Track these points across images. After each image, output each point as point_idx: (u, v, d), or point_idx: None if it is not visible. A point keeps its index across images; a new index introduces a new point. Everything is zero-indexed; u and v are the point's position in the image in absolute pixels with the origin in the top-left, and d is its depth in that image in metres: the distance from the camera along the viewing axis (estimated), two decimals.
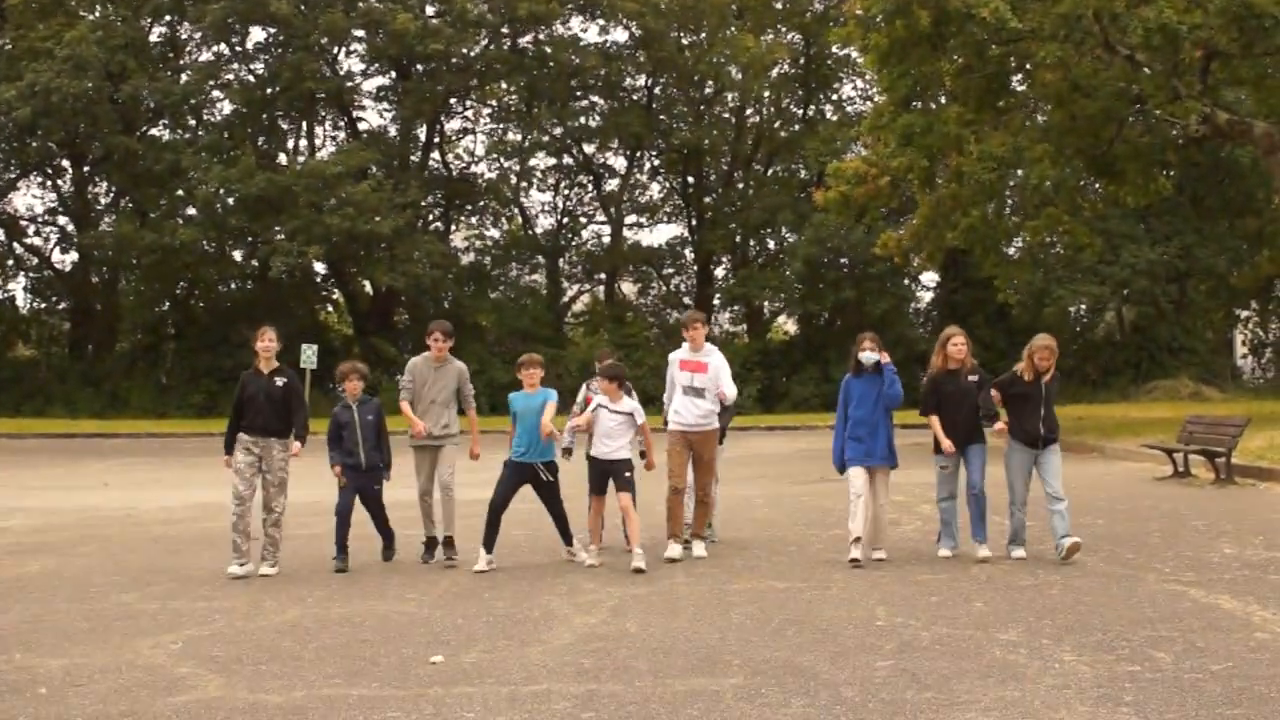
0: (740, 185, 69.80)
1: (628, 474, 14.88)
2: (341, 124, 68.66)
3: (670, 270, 71.36)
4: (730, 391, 15.72)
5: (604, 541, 15.39)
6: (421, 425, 15.19)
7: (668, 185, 72.43)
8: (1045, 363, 14.65)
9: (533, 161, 69.64)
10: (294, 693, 8.93)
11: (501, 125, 70.13)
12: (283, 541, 14.90)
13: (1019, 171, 38.26)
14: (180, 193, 60.20)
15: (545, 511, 15.23)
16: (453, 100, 67.45)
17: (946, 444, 14.77)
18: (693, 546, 15.38)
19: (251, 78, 63.62)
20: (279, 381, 14.86)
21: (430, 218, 67.99)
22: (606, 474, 14.91)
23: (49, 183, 65.27)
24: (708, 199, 70.13)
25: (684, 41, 66.53)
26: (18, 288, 65.45)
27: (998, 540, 14.82)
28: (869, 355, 14.80)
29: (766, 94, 69.26)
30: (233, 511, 14.42)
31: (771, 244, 69.80)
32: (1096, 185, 44.59)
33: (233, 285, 65.16)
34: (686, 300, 67.88)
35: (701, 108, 68.92)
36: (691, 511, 15.60)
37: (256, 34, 63.92)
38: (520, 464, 14.73)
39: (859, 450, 14.79)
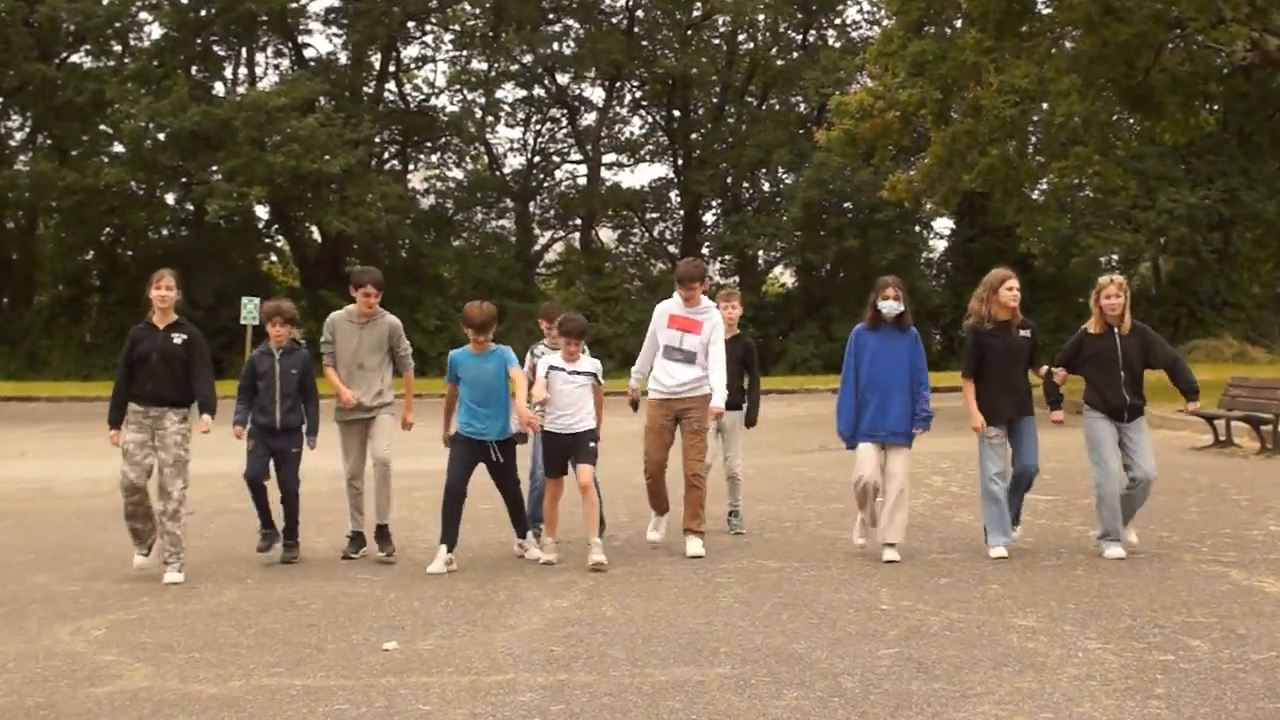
0: (732, 120, 69.84)
1: (592, 444, 13.70)
2: (285, 50, 68.51)
3: (654, 215, 71.55)
4: (719, 381, 14.14)
5: (561, 536, 14.25)
6: (350, 393, 14.08)
7: (651, 120, 72.53)
8: (1115, 306, 13.36)
9: (500, 93, 69.96)
10: (230, 683, 8.95)
11: (465, 53, 70.13)
12: (185, 538, 13.09)
13: (1044, 105, 38.20)
14: (105, 128, 60.22)
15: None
16: (410, 24, 67.43)
17: (978, 421, 13.55)
18: (686, 544, 13.87)
19: None
20: (177, 339, 13.28)
21: (385, 156, 68.08)
22: (567, 452, 13.68)
23: None
24: (695, 136, 70.20)
25: None
26: None
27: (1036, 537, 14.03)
28: (892, 305, 13.51)
29: (761, 17, 69.21)
30: (125, 504, 13.13)
31: (766, 186, 69.95)
32: (1130, 120, 44.59)
33: (164, 232, 65.01)
34: (671, 249, 67.95)
35: (689, 32, 68.93)
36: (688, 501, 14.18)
37: None
38: (472, 440, 13.53)
39: (867, 420, 13.57)
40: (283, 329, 14.19)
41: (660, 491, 14.64)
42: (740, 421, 15.49)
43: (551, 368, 13.73)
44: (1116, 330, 13.42)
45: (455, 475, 13.50)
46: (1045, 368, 13.75)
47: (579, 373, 13.76)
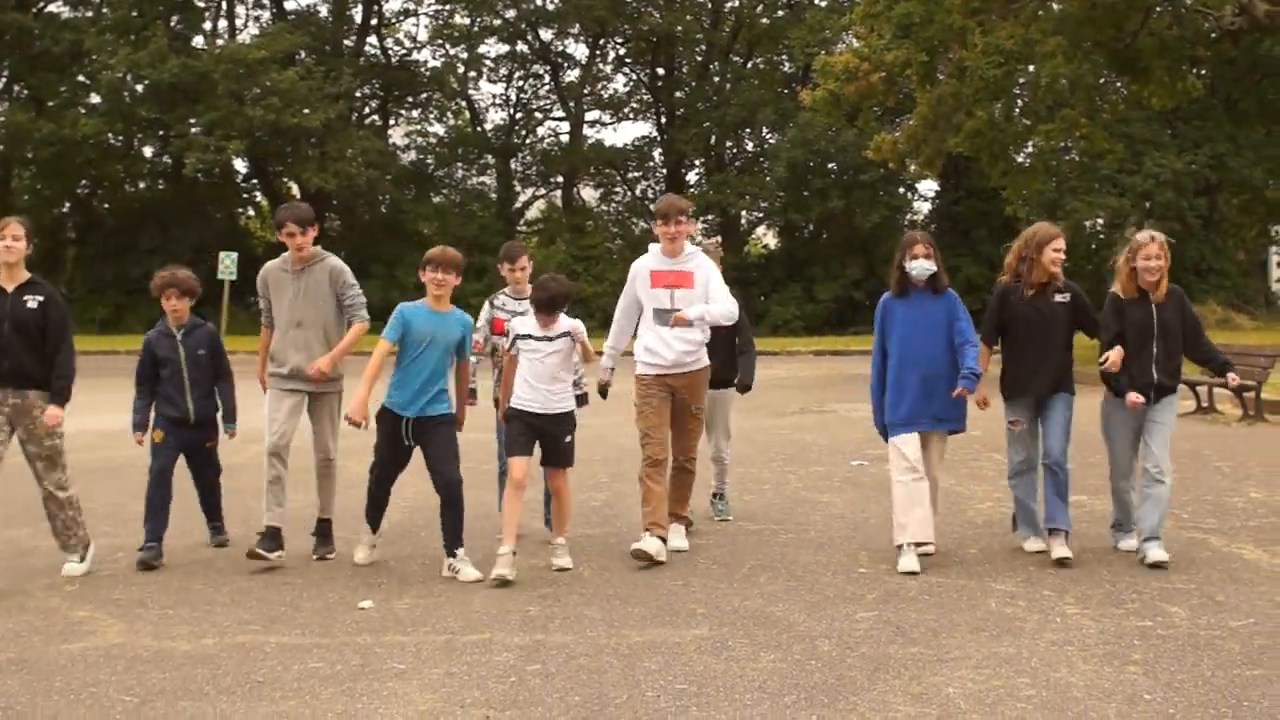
0: (716, 79, 69.64)
1: (569, 438, 11.50)
2: (266, 2, 68.24)
3: (636, 174, 71.41)
4: (727, 308, 11.89)
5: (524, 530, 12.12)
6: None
7: (634, 78, 72.33)
8: (1155, 270, 11.54)
9: (482, 48, 69.75)
10: (204, 640, 8.96)
11: (448, 7, 69.67)
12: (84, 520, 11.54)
13: (1030, 68, 38.17)
14: (82, 78, 59.95)
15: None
16: None
17: (980, 396, 11.62)
18: (669, 534, 12.00)
19: None
20: (30, 301, 11.18)
21: (366, 111, 67.91)
22: (537, 434, 11.37)
23: None
24: (679, 94, 70.06)
25: None
26: None
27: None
28: (922, 265, 11.50)
29: None
30: None
31: (751, 146, 69.87)
32: (1117, 84, 44.54)
33: (142, 185, 64.88)
34: (652, 208, 67.73)
35: None
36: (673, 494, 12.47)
37: None
38: (403, 418, 11.27)
39: (906, 406, 11.56)
40: (180, 304, 12.13)
41: (658, 496, 11.89)
42: (731, 399, 13.69)
43: (519, 337, 11.44)
44: (1152, 297, 11.61)
45: (385, 457, 11.49)
46: (1103, 357, 11.42)
47: (554, 337, 11.37)
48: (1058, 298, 11.72)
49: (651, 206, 66.13)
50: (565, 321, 11.45)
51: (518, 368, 11.43)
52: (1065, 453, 11.64)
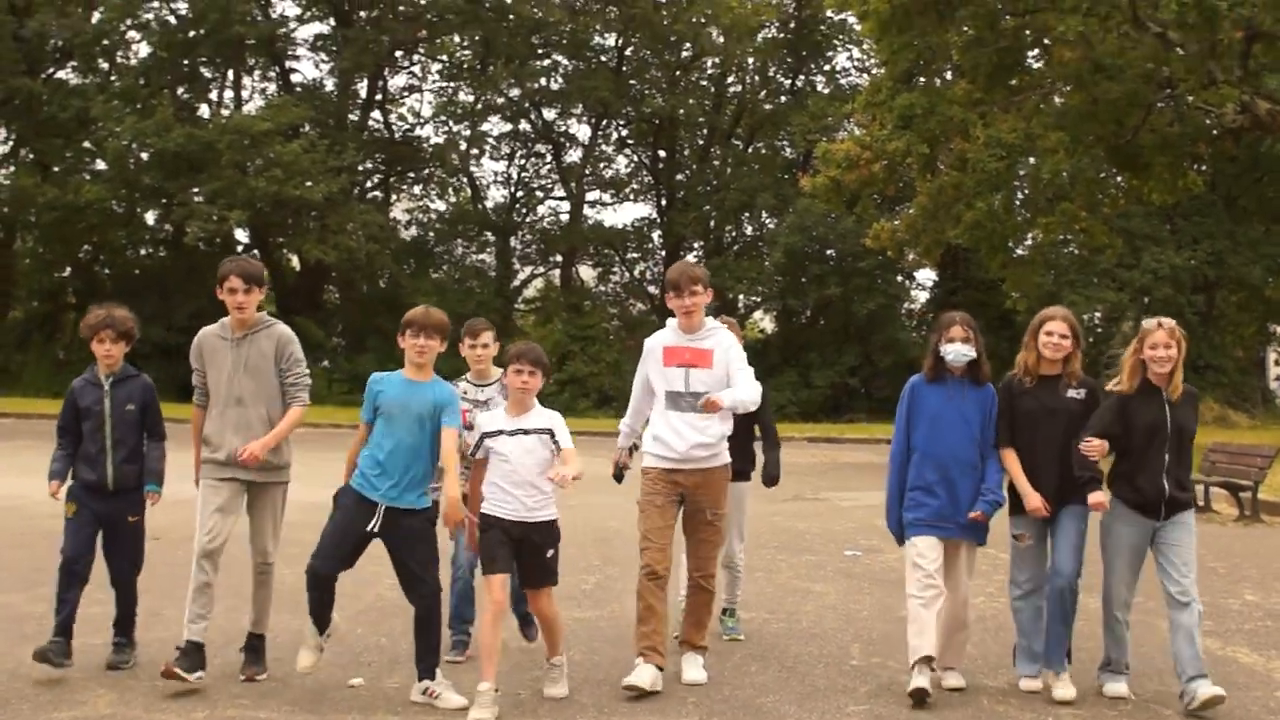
0: (717, 163, 69.95)
1: (551, 552, 9.89)
2: (272, 75, 68.44)
3: (635, 255, 71.43)
4: (750, 395, 10.46)
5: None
6: (252, 448, 10.06)
7: (636, 159, 72.52)
8: (1165, 361, 10.11)
9: (485, 126, 69.75)
10: (194, 713, 8.94)
11: (452, 84, 70.15)
12: None
13: (1030, 160, 38.35)
14: (88, 145, 60.02)
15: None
16: (398, 53, 67.42)
17: (1035, 501, 10.24)
18: (683, 665, 10.45)
19: (173, 18, 62.91)
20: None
21: (368, 185, 67.93)
22: (516, 546, 9.74)
23: None
24: (680, 176, 70.29)
25: None
26: None
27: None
28: (959, 350, 10.38)
29: (750, 60, 69.38)
30: None
31: (750, 230, 70.00)
32: (1118, 179, 44.73)
33: (143, 251, 64.97)
34: (652, 289, 67.88)
35: (677, 73, 69.00)
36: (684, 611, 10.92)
37: None
38: (372, 502, 9.65)
39: (931, 508, 10.31)
40: (114, 348, 10.57)
41: (658, 615, 10.23)
42: (746, 495, 12.21)
43: (487, 435, 9.85)
44: (1165, 394, 10.18)
45: (330, 545, 9.70)
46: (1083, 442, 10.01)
47: (531, 431, 9.82)
48: (1070, 392, 10.35)
49: (650, 288, 66.38)
50: (542, 413, 9.90)
51: (486, 472, 9.84)
52: (1077, 574, 10.30)
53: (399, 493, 9.57)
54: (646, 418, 10.85)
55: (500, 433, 9.72)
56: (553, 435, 9.78)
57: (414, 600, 9.72)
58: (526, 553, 9.71)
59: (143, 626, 11.01)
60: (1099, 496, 10.08)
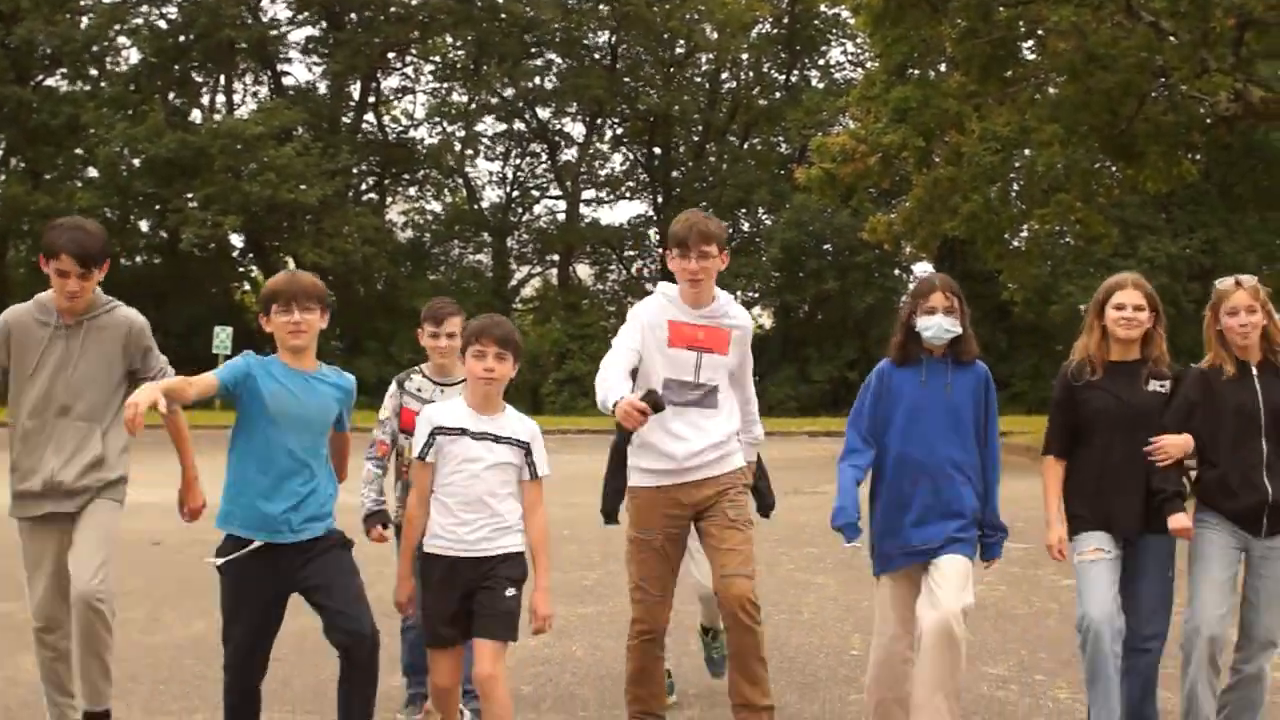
0: (712, 159, 70.06)
1: (511, 592, 7.19)
2: (264, 78, 68.50)
3: (632, 253, 71.43)
4: (761, 434, 8.70)
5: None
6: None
7: (631, 157, 72.55)
8: (1248, 329, 7.98)
9: (479, 126, 69.91)
10: (195, 716, 8.96)
11: (445, 85, 70.23)
12: None
13: (1026, 152, 38.37)
14: (79, 152, 59.91)
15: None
16: (390, 55, 67.35)
17: (1055, 533, 7.96)
18: None
19: (163, 23, 63.07)
20: None
21: (363, 187, 67.93)
22: (467, 596, 7.23)
23: None
24: (675, 173, 70.37)
25: None
26: None
27: None
28: (941, 325, 7.90)
29: (744, 56, 69.54)
30: None
31: (746, 226, 69.87)
32: (1113, 169, 44.68)
33: (137, 259, 64.68)
34: (649, 287, 67.77)
35: (671, 70, 69.05)
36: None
37: None
38: (268, 546, 7.20)
39: (907, 530, 7.95)
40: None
41: (653, 667, 8.21)
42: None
43: (439, 431, 7.25)
44: (1253, 367, 7.96)
45: (248, 626, 7.68)
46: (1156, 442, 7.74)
47: (500, 439, 7.27)
48: (1153, 385, 7.98)
49: (648, 285, 66.15)
50: (519, 420, 7.41)
51: (432, 484, 7.29)
52: (1165, 627, 7.88)
53: (306, 520, 7.20)
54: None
55: (463, 432, 7.21)
56: (529, 452, 7.31)
57: (341, 646, 7.45)
58: (478, 595, 7.15)
59: (143, 631, 11.05)
60: (1181, 519, 7.61)
